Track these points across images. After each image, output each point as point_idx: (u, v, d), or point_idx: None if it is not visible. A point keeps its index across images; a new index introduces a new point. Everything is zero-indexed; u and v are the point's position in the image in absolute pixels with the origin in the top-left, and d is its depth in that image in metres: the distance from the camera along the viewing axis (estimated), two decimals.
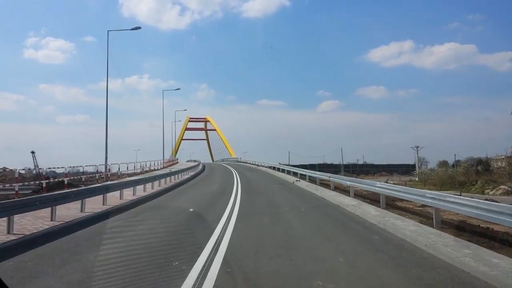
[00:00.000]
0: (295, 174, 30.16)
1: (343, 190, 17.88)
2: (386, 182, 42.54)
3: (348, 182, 16.15)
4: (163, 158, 52.26)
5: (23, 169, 38.23)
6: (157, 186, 20.30)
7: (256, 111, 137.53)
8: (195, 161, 67.84)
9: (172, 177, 25.61)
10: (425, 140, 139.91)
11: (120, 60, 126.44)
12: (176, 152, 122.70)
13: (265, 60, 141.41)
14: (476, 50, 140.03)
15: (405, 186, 24.69)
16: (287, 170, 34.22)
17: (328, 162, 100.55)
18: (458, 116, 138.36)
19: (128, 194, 15.49)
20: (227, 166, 54.71)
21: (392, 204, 12.65)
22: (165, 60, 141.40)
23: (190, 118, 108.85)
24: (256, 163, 54.81)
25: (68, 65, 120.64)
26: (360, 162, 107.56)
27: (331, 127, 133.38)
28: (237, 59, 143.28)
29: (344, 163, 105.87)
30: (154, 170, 37.49)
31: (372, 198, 14.04)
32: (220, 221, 9.88)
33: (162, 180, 22.36)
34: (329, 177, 19.83)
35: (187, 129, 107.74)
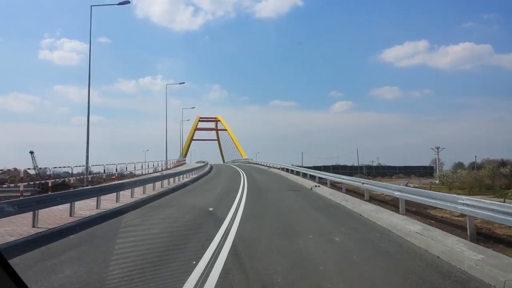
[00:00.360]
0: (312, 177, 26.48)
1: (380, 200, 13.99)
2: (406, 185, 37.65)
3: (396, 193, 11.27)
4: (166, 158, 50.01)
5: (33, 169, 36.71)
6: (139, 194, 15.86)
7: (269, 112, 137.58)
8: (203, 162, 64.48)
9: (167, 180, 21.48)
10: (439, 141, 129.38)
11: (134, 61, 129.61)
12: (185, 153, 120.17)
13: (277, 60, 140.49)
14: (491, 50, 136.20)
15: (430, 189, 21.22)
16: (303, 173, 30.51)
17: (341, 163, 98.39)
18: (472, 117, 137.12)
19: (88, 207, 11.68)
20: (236, 167, 51.23)
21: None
22: (178, 61, 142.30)
23: (200, 118, 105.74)
24: (268, 165, 51.24)
25: (82, 66, 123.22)
26: (375, 164, 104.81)
27: (344, 128, 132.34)
28: (250, 60, 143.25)
29: (354, 165, 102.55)
30: (152, 172, 33.84)
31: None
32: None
33: (151, 185, 18.10)
34: (363, 183, 15.14)
35: (197, 129, 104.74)
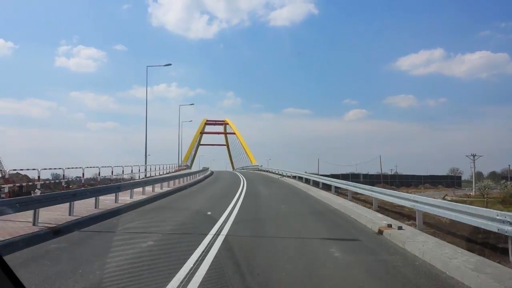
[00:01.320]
0: (334, 190, 17.47)
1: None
2: (444, 198, 30.46)
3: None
4: (170, 164, 46.95)
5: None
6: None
7: (282, 120, 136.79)
8: (204, 168, 56.44)
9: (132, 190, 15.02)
10: (454, 150, 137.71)
11: (149, 69, 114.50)
12: (192, 158, 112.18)
13: (292, 68, 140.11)
14: (508, 58, 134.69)
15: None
16: (327, 184, 21.41)
17: (355, 171, 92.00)
18: (488, 125, 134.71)
19: None
20: (240, 175, 42.38)
21: None
22: (193, 68, 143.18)
23: (207, 121, 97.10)
24: (280, 172, 42.13)
25: (98, 73, 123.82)
26: (392, 172, 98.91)
27: (358, 135, 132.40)
28: (264, 67, 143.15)
29: (374, 173, 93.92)
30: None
31: None
32: None
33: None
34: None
35: (204, 132, 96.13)
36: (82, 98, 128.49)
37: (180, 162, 67.19)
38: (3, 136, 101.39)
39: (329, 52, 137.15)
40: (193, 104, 59.71)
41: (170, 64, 25.80)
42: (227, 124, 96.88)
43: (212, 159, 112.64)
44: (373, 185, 18.46)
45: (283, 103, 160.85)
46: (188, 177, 30.84)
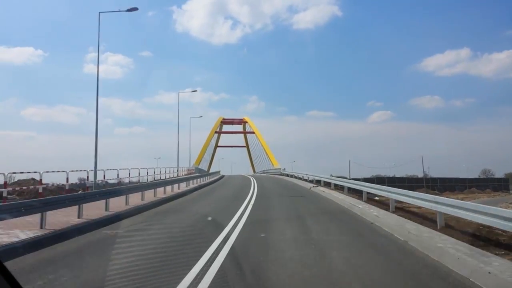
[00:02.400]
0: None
1: None
2: None
3: None
4: (178, 167, 43.45)
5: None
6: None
7: (306, 122, 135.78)
8: (215, 172, 47.83)
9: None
10: (483, 151, 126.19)
11: (174, 74, 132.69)
12: (210, 161, 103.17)
13: (315, 70, 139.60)
14: None
15: None
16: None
17: (388, 174, 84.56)
18: None
19: None
20: (254, 181, 32.92)
21: None
22: (217, 73, 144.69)
23: (224, 120, 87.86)
24: (309, 178, 32.03)
25: (125, 79, 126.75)
26: (421, 175, 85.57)
27: (383, 137, 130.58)
28: (287, 71, 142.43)
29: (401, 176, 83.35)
30: None
31: None
32: None
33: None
34: None
35: (220, 132, 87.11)
36: (109, 104, 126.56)
37: (190, 165, 58.06)
38: (34, 142, 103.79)
39: (354, 54, 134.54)
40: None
41: (136, 9, 23.16)
42: (246, 122, 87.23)
43: (233, 162, 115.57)
44: (410, 190, 13.63)
45: (307, 106, 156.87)
46: (177, 184, 21.43)
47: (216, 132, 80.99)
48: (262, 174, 63.21)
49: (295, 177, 38.10)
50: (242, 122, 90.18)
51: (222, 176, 49.08)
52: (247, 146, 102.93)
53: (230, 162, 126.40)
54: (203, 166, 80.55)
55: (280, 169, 61.54)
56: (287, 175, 45.52)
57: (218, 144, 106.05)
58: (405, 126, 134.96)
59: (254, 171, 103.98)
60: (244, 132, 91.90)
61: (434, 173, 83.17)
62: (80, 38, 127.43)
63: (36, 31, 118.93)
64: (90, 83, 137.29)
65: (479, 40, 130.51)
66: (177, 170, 44.17)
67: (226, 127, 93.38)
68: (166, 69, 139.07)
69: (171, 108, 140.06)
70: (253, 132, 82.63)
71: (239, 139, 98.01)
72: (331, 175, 28.36)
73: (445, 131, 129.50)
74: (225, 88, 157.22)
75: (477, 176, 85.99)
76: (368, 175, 75.84)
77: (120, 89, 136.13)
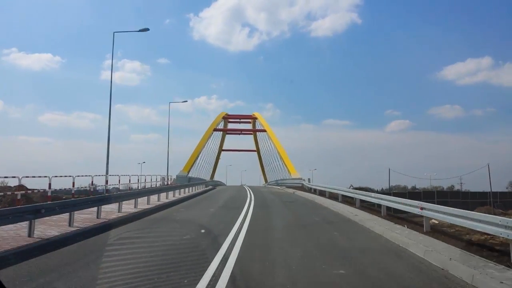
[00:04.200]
0: None
1: None
2: None
3: None
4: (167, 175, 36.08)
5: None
6: None
7: (321, 131, 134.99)
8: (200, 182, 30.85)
9: None
10: (503, 162, 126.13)
11: (190, 81, 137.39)
12: (213, 168, 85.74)
13: (332, 79, 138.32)
14: None
15: None
16: None
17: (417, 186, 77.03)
18: None
19: None
20: (251, 207, 13.73)
21: None
22: (233, 80, 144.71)
23: (227, 116, 69.94)
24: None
25: (142, 86, 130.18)
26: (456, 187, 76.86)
27: (402, 147, 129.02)
28: (304, 78, 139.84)
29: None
30: None
31: None
32: None
33: None
34: None
35: (221, 130, 68.83)
36: (126, 110, 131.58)
37: (168, 172, 40.03)
38: (51, 148, 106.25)
39: (372, 62, 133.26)
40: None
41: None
42: (256, 119, 68.87)
43: (243, 169, 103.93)
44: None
45: (323, 114, 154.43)
46: None
47: (215, 130, 62.31)
48: (274, 187, 44.58)
49: (341, 200, 19.06)
50: (251, 118, 71.77)
51: (211, 189, 31.77)
52: (257, 150, 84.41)
53: (240, 170, 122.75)
54: (200, 173, 62.94)
55: (300, 179, 43.12)
56: (314, 191, 26.98)
57: (223, 148, 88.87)
58: (424, 135, 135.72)
59: (266, 181, 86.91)
60: (254, 131, 73.35)
61: (467, 186, 72.97)
62: (98, 45, 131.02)
63: (54, 38, 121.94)
64: (107, 90, 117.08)
65: (501, 48, 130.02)
66: (156, 179, 35.20)
67: (229, 125, 75.86)
68: (182, 76, 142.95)
69: (187, 115, 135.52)
70: (264, 130, 63.88)
71: (248, 142, 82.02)
72: (351, 186, 27.28)
73: (465, 141, 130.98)
74: (240, 95, 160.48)
75: (504, 189, 74.35)
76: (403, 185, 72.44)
77: (136, 96, 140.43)
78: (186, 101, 39.16)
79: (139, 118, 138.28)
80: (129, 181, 28.39)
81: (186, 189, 28.09)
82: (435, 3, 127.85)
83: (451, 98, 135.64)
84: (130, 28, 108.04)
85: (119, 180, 26.72)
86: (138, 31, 24.76)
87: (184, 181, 44.55)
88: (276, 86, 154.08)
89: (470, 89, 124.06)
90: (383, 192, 65.23)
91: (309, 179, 36.22)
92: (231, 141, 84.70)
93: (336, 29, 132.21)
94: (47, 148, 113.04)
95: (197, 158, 55.27)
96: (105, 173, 23.55)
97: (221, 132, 77.80)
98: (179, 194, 24.64)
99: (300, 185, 40.17)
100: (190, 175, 53.28)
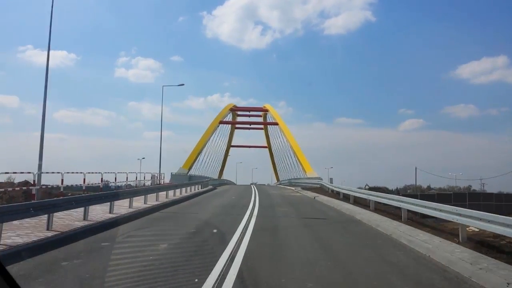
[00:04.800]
0: None
1: None
2: None
3: None
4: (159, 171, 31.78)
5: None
6: None
7: (333, 129, 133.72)
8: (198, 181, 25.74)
9: None
10: None
11: (204, 80, 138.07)
12: (221, 165, 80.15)
13: (345, 77, 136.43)
14: None
15: None
16: None
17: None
18: None
19: None
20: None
21: None
22: (246, 78, 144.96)
23: (235, 108, 63.40)
24: None
25: (156, 84, 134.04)
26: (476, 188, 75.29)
27: (416, 146, 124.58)
28: (317, 77, 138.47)
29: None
30: None
31: None
32: None
33: None
34: None
35: (228, 123, 62.50)
36: (139, 108, 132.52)
37: (160, 170, 34.00)
38: (65, 144, 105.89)
39: (385, 60, 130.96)
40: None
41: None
42: (267, 111, 62.41)
43: (254, 167, 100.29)
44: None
45: (336, 113, 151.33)
46: None
47: (221, 122, 55.91)
48: (288, 188, 38.10)
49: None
50: (261, 111, 65.22)
51: (209, 190, 25.71)
52: (268, 146, 77.99)
53: (251, 167, 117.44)
54: (206, 171, 56.80)
55: (318, 179, 36.62)
56: (337, 193, 20.58)
57: (232, 144, 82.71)
58: (438, 134, 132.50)
59: (277, 180, 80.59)
60: (265, 123, 66.90)
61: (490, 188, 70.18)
62: (112, 43, 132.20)
63: (70, 35, 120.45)
64: (121, 87, 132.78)
65: None
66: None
67: (238, 119, 69.62)
68: (195, 74, 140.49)
69: (200, 112, 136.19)
70: (276, 123, 57.35)
71: (259, 137, 75.83)
72: (366, 185, 27.56)
73: (478, 140, 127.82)
74: (253, 93, 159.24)
75: None
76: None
77: (150, 93, 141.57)
78: (183, 84, 35.93)
79: (152, 115, 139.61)
80: (126, 179, 27.13)
81: (178, 191, 21.88)
82: (449, 2, 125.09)
83: (465, 97, 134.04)
84: (143, 25, 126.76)
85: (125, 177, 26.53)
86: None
87: (183, 179, 38.59)
88: (288, 84, 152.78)
89: (485, 88, 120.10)
90: (397, 192, 58.59)
91: (331, 179, 29.59)
92: (240, 136, 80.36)
93: (350, 27, 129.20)
94: (62, 144, 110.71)
95: (199, 153, 48.98)
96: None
97: (230, 126, 71.76)
98: (168, 196, 18.68)
99: (318, 185, 33.66)
100: (193, 172, 47.30)
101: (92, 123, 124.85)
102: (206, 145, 53.01)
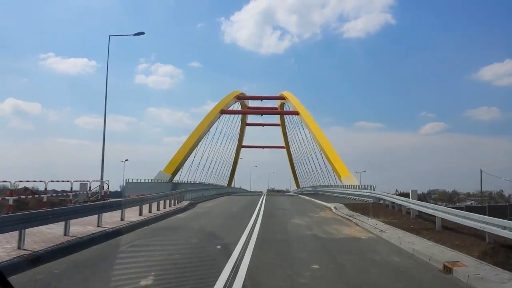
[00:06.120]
0: None
1: None
2: None
3: None
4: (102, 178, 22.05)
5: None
6: None
7: (353, 133, 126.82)
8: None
9: None
10: None
11: (222, 85, 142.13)
12: (232, 171, 68.07)
13: (364, 81, 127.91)
14: None
15: None
16: None
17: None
18: None
19: None
20: None
21: None
22: (263, 83, 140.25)
23: (242, 96, 48.89)
24: None
25: (175, 90, 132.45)
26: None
27: (437, 150, 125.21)
28: (336, 80, 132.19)
29: None
30: None
31: None
32: None
33: None
34: None
35: (229, 113, 48.59)
36: (159, 113, 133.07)
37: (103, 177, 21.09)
38: (87, 150, 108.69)
39: (405, 63, 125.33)
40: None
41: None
42: (285, 99, 48.44)
43: (271, 170, 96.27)
44: None
45: (355, 117, 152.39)
46: None
47: (223, 112, 42.07)
48: (316, 202, 24.15)
49: None
50: (278, 99, 51.21)
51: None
52: (286, 146, 64.36)
53: (267, 171, 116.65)
54: (209, 177, 43.72)
55: (364, 188, 22.95)
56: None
57: (243, 144, 69.35)
58: (460, 138, 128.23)
59: (297, 186, 67.06)
60: (282, 113, 53.09)
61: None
62: (132, 49, 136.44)
63: (90, 43, 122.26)
64: (141, 93, 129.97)
65: None
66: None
67: (251, 118, 56.36)
68: (213, 80, 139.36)
69: (228, 128, 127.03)
70: (296, 113, 43.44)
71: (274, 135, 62.05)
72: (396, 191, 23.35)
73: (503, 143, 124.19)
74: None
75: None
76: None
77: (169, 99, 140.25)
78: (143, 33, 24.45)
79: (172, 121, 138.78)
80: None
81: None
82: (470, 3, 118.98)
83: (488, 99, 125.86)
84: (162, 31, 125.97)
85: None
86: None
87: (163, 188, 25.65)
88: (307, 88, 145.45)
89: (509, 91, 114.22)
90: (423, 197, 44.05)
91: (399, 192, 15.86)
92: (253, 134, 68.35)
93: (369, 30, 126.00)
94: (84, 150, 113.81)
95: (190, 152, 35.60)
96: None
97: (239, 124, 58.76)
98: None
99: (370, 200, 20.01)
100: (182, 178, 34.19)
101: (113, 129, 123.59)
102: (206, 144, 39.67)
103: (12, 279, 5.00)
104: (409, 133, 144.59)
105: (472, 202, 58.19)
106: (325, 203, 20.58)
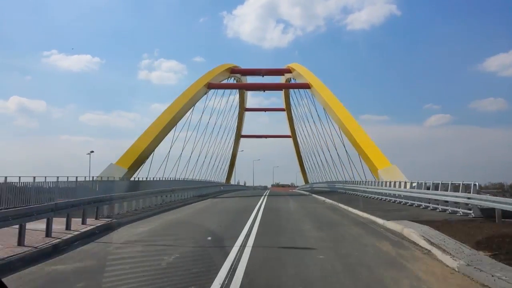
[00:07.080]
0: None
1: None
2: None
3: None
4: None
5: None
6: None
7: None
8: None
9: None
10: None
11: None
12: (232, 162, 58.46)
13: (369, 73, 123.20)
14: None
15: None
16: None
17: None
18: None
19: None
20: None
21: None
22: (267, 76, 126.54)
23: (236, 70, 39.09)
24: None
25: (178, 85, 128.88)
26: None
27: (443, 142, 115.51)
28: (340, 73, 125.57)
29: None
30: None
31: None
32: None
33: None
34: None
35: (246, 108, 38.35)
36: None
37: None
38: (92, 147, 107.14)
39: (410, 55, 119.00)
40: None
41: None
42: (292, 74, 38.27)
43: (275, 165, 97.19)
44: None
45: (359, 110, 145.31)
46: None
47: (210, 86, 31.98)
48: (346, 209, 14.09)
49: None
50: (283, 73, 41.16)
51: None
52: (293, 135, 54.44)
53: (272, 164, 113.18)
54: (198, 171, 33.99)
55: (456, 193, 12.91)
56: None
57: (242, 133, 59.41)
58: (466, 129, 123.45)
59: (305, 182, 59.79)
60: (288, 86, 43.38)
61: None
62: (135, 45, 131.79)
63: (93, 39, 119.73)
64: (144, 89, 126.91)
65: None
66: None
67: (251, 100, 46.33)
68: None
69: (222, 112, 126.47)
70: (307, 86, 33.23)
71: (279, 122, 51.81)
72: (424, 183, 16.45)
73: (510, 135, 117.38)
74: (276, 92, 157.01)
75: None
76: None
77: (173, 94, 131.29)
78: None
79: None
80: None
81: None
82: None
83: (494, 90, 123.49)
84: (164, 26, 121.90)
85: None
86: None
87: (110, 189, 15.94)
88: None
89: None
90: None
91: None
92: (252, 120, 57.95)
93: (374, 21, 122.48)
94: (88, 147, 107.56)
95: (161, 138, 25.52)
96: None
97: (237, 109, 49.57)
98: None
99: (469, 214, 10.26)
100: (151, 175, 24.29)
101: (118, 125, 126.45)
102: (189, 130, 29.75)
103: None
104: (414, 126, 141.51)
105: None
106: (356, 210, 10.32)
